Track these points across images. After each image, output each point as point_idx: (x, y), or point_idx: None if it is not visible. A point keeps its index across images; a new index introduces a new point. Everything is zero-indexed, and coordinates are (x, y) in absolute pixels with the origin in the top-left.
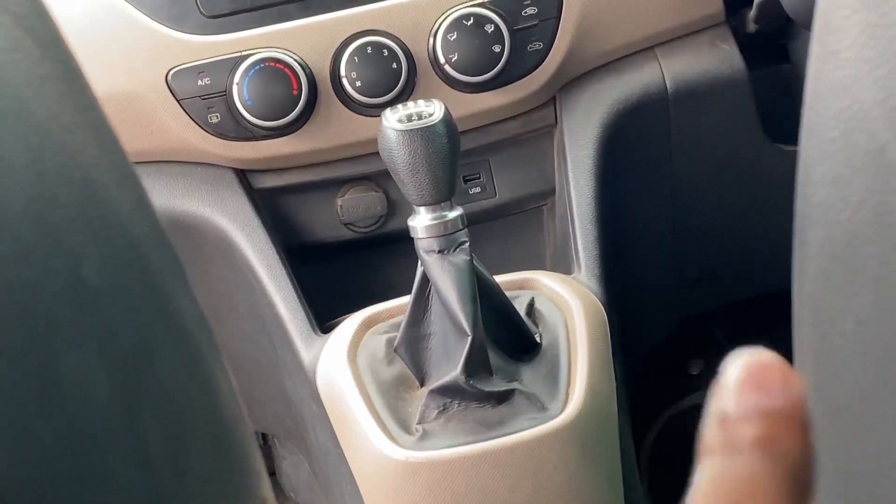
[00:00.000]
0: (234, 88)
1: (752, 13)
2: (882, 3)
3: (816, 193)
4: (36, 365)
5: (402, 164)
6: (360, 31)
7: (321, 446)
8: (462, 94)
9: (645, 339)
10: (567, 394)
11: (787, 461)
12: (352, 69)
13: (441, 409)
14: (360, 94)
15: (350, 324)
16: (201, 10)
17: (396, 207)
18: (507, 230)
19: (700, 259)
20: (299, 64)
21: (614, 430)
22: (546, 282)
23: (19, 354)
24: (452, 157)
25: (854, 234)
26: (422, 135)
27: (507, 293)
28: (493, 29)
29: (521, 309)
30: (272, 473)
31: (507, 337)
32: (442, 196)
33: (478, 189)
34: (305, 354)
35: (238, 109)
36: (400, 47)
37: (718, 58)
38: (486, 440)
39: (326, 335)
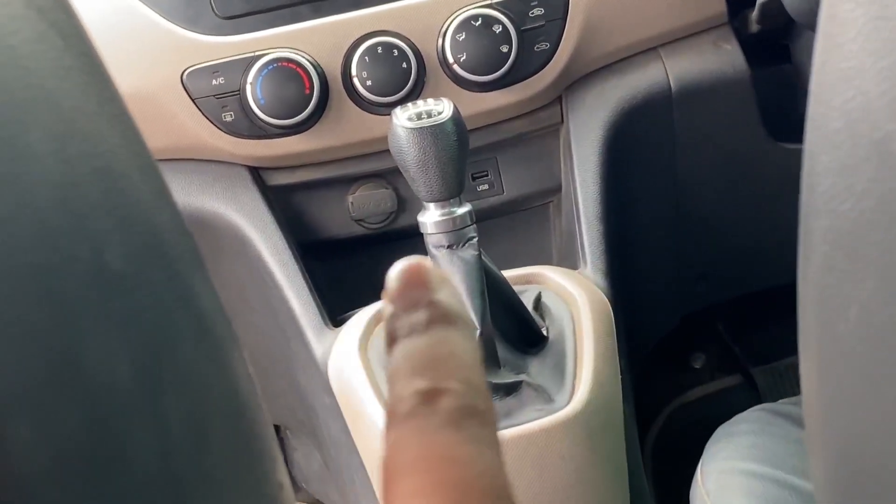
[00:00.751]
0: (248, 88)
1: (755, 14)
2: None
3: (821, 183)
4: (60, 348)
5: (411, 162)
6: (371, 32)
7: (333, 438)
8: (470, 93)
9: (649, 334)
10: (573, 386)
11: (458, 331)
12: (363, 69)
13: None
14: (370, 93)
15: (361, 318)
16: (216, 11)
17: (406, 204)
18: (514, 226)
19: (703, 255)
20: (311, 64)
21: (619, 421)
22: (553, 277)
23: (43, 337)
24: (461, 155)
25: (857, 223)
26: (431, 133)
27: (515, 287)
28: (500, 29)
29: (528, 303)
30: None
31: (515, 330)
32: (451, 193)
33: (486, 186)
34: (317, 348)
35: (251, 108)
36: (410, 47)
37: (721, 58)
38: (501, 432)
39: (338, 329)
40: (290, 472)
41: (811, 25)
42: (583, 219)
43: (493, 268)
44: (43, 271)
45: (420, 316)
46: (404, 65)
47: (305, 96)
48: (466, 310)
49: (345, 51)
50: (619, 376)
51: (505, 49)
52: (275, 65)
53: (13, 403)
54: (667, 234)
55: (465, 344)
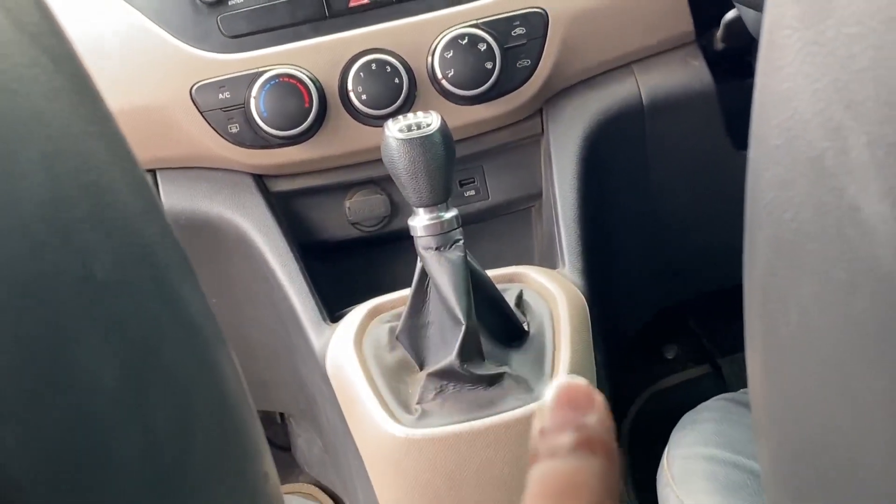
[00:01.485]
0: (252, 101)
1: (720, 33)
2: (819, 23)
3: (764, 196)
4: (48, 352)
5: (402, 170)
6: (366, 50)
7: (331, 425)
8: (457, 106)
9: (624, 328)
10: (552, 376)
11: (598, 460)
12: (358, 84)
13: (438, 390)
14: (365, 106)
15: (356, 314)
16: (222, 30)
17: (398, 209)
18: (498, 229)
19: (673, 255)
20: (310, 79)
21: None
22: (533, 276)
23: (33, 342)
24: (448, 164)
25: (797, 233)
26: (421, 143)
27: (498, 286)
28: (485, 47)
29: (510, 300)
30: (288, 449)
31: (498, 325)
32: (439, 198)
33: (472, 192)
34: (316, 342)
35: (255, 120)
36: (401, 64)
37: (689, 73)
38: (479, 419)
39: (335, 324)
40: (293, 456)
41: None
42: (561, 222)
43: (478, 268)
44: (32, 281)
45: (565, 439)
46: (396, 80)
47: (305, 109)
48: (612, 438)
49: (341, 67)
50: (595, 367)
51: (489, 66)
52: (277, 80)
53: (2, 407)
54: (640, 236)
55: (603, 476)
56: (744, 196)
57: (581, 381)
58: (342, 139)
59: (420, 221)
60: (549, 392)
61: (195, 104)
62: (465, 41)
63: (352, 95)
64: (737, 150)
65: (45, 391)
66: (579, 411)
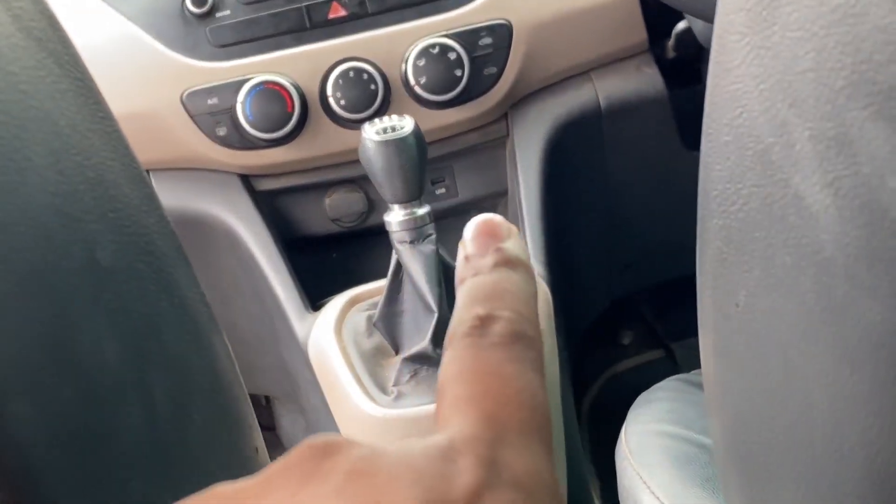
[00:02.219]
0: (239, 106)
1: (671, 42)
2: (766, 29)
3: (714, 188)
4: (56, 334)
5: (379, 170)
6: (344, 58)
7: (313, 406)
8: (429, 110)
9: (584, 315)
10: None
11: (517, 273)
12: (337, 90)
13: (412, 374)
14: (343, 110)
15: (336, 302)
16: (210, 40)
17: (375, 205)
18: (458, 229)
19: (629, 248)
20: (293, 86)
21: (556, 389)
22: None
23: (42, 325)
24: (421, 163)
25: (745, 222)
26: (395, 145)
27: None
28: (455, 56)
29: None
30: (273, 429)
31: None
32: (412, 196)
33: (443, 190)
34: (299, 329)
35: (242, 124)
36: (377, 71)
37: (643, 80)
38: None
39: (317, 312)
40: (278, 436)
41: None
42: (525, 218)
43: (449, 260)
44: (40, 268)
45: (487, 260)
46: (372, 86)
47: (288, 114)
48: (528, 257)
49: (321, 74)
50: (556, 351)
51: (458, 73)
52: (261, 86)
53: (14, 384)
54: (599, 230)
55: (521, 284)
56: (694, 194)
57: (497, 216)
58: (322, 141)
59: (395, 217)
60: (469, 226)
61: (186, 109)
62: (436, 50)
63: (331, 100)
64: (688, 151)
65: (54, 369)
66: (497, 238)
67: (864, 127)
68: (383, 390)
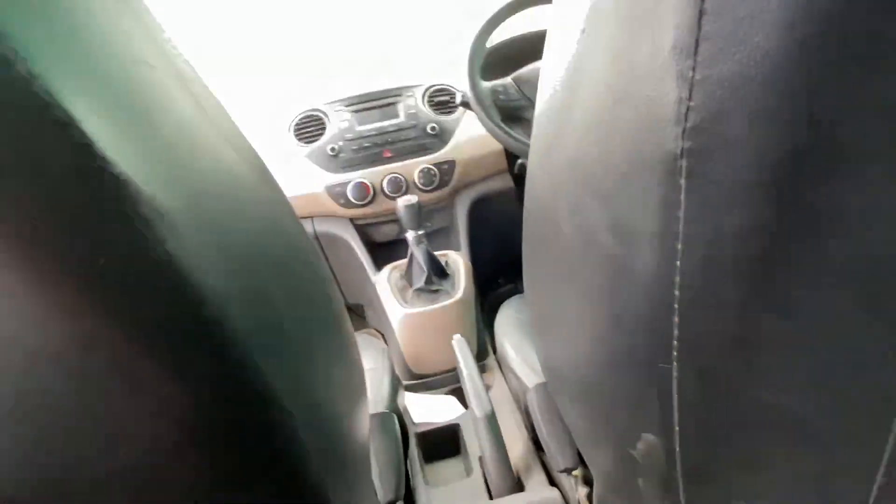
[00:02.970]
0: (348, 189)
1: (516, 168)
2: (547, 155)
3: (527, 226)
4: (287, 265)
5: (403, 216)
6: (391, 172)
7: (378, 308)
8: (423, 193)
9: (484, 275)
10: (458, 290)
11: None
12: (387, 185)
13: (417, 295)
14: (390, 193)
15: (386, 268)
16: (337, 165)
17: (402, 230)
18: (437, 238)
19: (509, 250)
20: (370, 184)
21: (472, 303)
22: (452, 255)
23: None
24: (420, 214)
25: (535, 237)
26: (410, 207)
27: (439, 257)
28: (434, 172)
29: (443, 262)
30: (363, 316)
31: (438, 270)
32: (416, 226)
33: (429, 224)
34: (372, 278)
35: (349, 198)
36: (403, 178)
37: (505, 182)
38: (432, 305)
39: (379, 272)
40: (365, 319)
41: None
42: (462, 236)
43: (429, 249)
44: (269, 253)
45: None
46: (401, 184)
47: (368, 194)
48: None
49: (381, 178)
50: (473, 287)
51: (435, 179)
52: (358, 182)
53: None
54: (492, 243)
55: None
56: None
57: None
58: (380, 206)
59: (410, 234)
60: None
61: (328, 192)
62: (427, 169)
63: (385, 189)
64: (521, 207)
65: (274, 284)
66: None
67: (587, 201)
68: (406, 302)
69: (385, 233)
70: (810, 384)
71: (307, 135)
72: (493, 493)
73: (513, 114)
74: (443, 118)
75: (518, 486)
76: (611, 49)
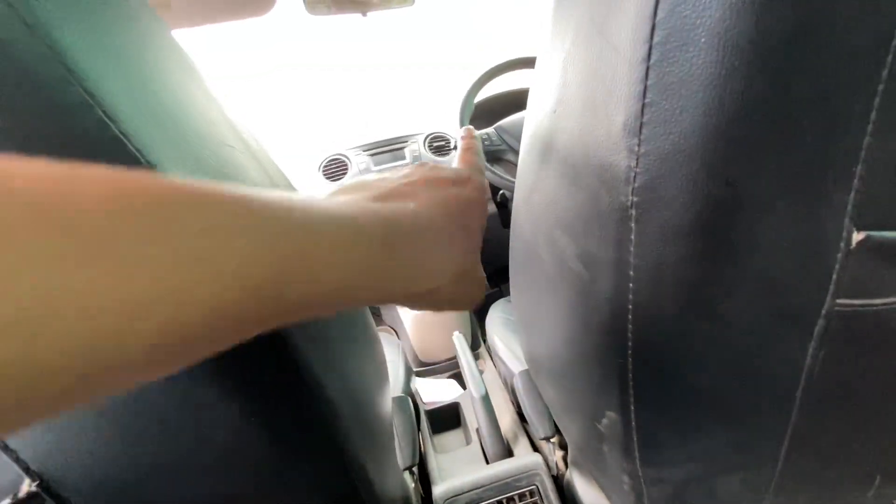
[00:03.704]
0: None
1: (498, 198)
2: (529, 198)
3: (515, 241)
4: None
5: None
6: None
7: (392, 309)
8: None
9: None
10: None
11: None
12: None
13: None
14: None
15: None
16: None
17: None
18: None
19: (500, 259)
20: None
21: None
22: None
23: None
24: None
25: (520, 254)
26: None
27: None
28: None
29: None
30: (380, 315)
31: None
32: None
33: None
34: None
35: None
36: None
37: (490, 209)
38: None
39: None
40: (381, 317)
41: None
42: None
43: None
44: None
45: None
46: None
47: None
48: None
49: None
50: None
51: None
52: None
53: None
54: (483, 258)
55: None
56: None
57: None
58: None
59: None
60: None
61: None
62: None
63: None
64: (505, 229)
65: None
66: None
67: (560, 235)
68: None
69: None
70: (729, 370)
71: (333, 174)
72: (488, 458)
73: (496, 156)
74: (440, 158)
75: (508, 451)
76: (578, 126)
